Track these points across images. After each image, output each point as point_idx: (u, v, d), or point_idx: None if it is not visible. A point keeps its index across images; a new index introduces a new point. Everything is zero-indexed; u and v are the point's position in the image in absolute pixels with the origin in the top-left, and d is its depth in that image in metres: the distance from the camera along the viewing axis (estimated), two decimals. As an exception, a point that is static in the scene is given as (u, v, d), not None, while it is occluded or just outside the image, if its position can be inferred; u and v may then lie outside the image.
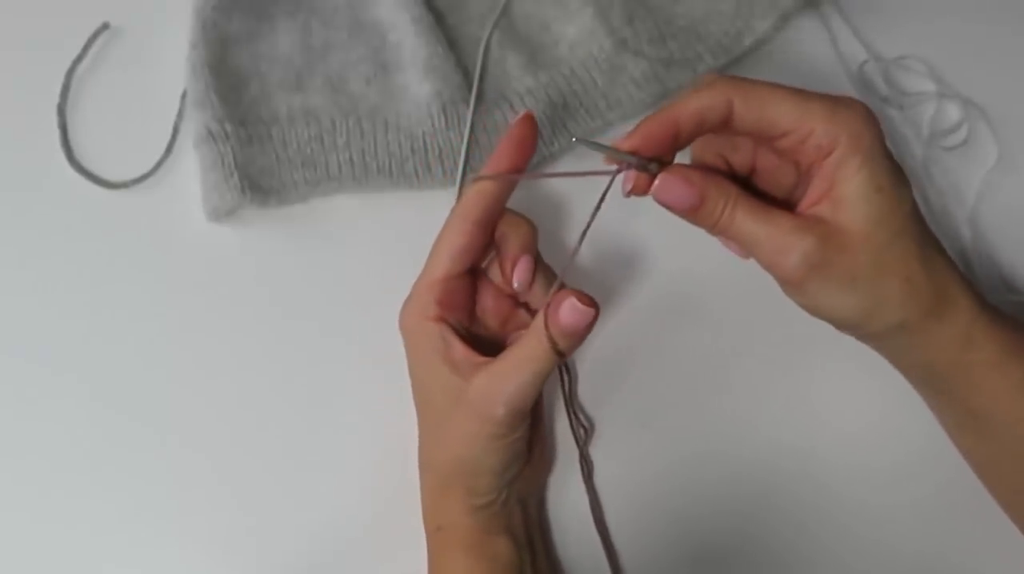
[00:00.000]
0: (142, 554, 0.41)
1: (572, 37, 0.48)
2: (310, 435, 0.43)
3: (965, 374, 0.37)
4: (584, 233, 0.35)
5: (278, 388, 0.43)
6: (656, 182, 0.35)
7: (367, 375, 0.42)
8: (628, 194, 0.35)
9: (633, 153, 0.34)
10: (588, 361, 0.44)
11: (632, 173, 0.35)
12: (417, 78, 0.46)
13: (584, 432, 0.43)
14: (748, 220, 0.35)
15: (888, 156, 0.35)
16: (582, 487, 0.43)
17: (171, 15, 0.46)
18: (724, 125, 0.35)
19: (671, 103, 0.35)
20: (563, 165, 0.47)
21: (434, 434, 0.39)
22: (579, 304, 0.34)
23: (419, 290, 0.38)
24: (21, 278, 0.44)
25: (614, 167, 0.35)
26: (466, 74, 0.47)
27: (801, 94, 0.34)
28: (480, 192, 0.37)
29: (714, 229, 0.36)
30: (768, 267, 0.35)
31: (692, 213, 0.35)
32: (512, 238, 0.38)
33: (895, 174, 0.35)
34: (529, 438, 0.39)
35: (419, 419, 0.40)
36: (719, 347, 0.44)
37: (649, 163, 0.35)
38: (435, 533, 0.39)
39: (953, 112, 0.49)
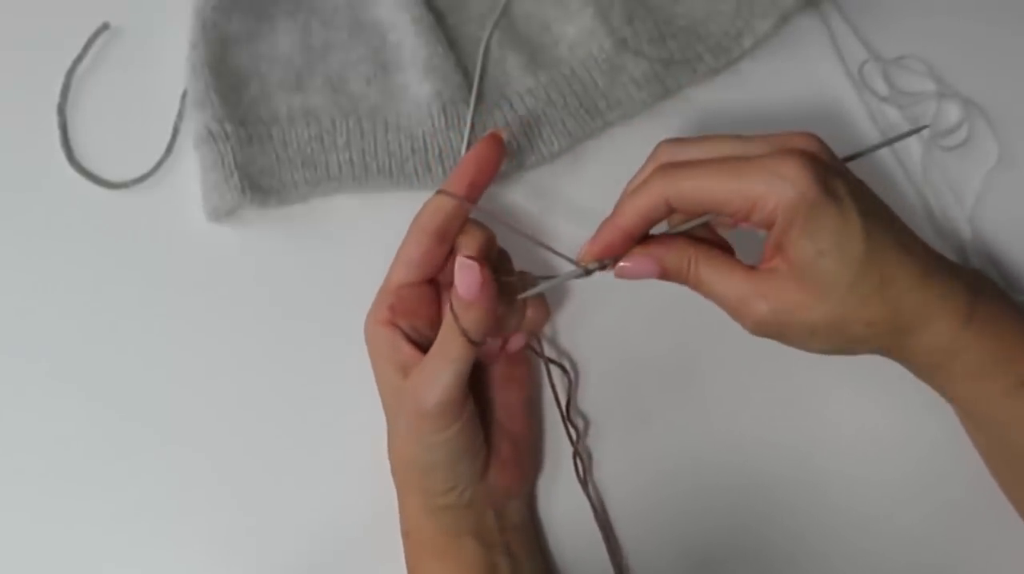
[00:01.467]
0: (142, 554, 0.41)
1: (572, 37, 0.48)
2: (310, 435, 0.43)
3: (951, 382, 0.38)
4: (539, 287, 0.39)
5: (278, 388, 0.43)
6: (619, 267, 0.38)
7: (367, 375, 0.42)
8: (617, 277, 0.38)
9: (598, 260, 0.38)
10: (586, 363, 0.44)
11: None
12: (417, 78, 0.46)
13: (577, 432, 0.43)
14: (711, 279, 0.37)
15: (831, 212, 0.35)
16: (578, 493, 0.42)
17: (171, 15, 0.46)
18: (671, 212, 0.37)
19: (615, 212, 0.38)
20: (561, 166, 0.47)
21: (390, 436, 0.40)
22: (464, 260, 0.35)
23: (377, 297, 0.40)
24: (21, 278, 0.44)
25: (580, 270, 0.38)
26: (466, 74, 0.47)
27: (732, 171, 0.35)
28: (439, 205, 0.38)
29: (687, 285, 0.38)
30: (739, 318, 0.37)
31: (662, 278, 0.38)
32: (466, 244, 0.39)
33: (838, 230, 0.35)
34: (479, 436, 0.39)
35: (386, 423, 0.40)
36: (719, 347, 0.44)
37: (608, 262, 0.38)
38: (405, 539, 0.40)
39: (953, 112, 0.49)
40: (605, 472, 0.43)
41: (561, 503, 0.43)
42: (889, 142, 0.40)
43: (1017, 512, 0.40)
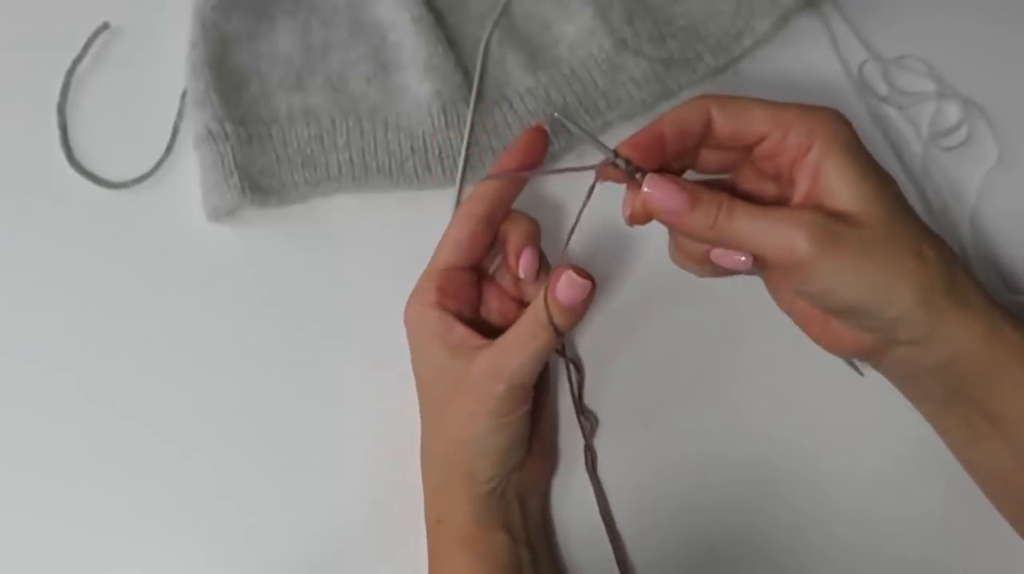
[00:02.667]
0: (142, 554, 0.41)
1: (572, 37, 0.48)
2: (310, 435, 0.43)
3: (987, 369, 0.35)
4: (576, 222, 0.37)
5: (278, 388, 0.43)
6: (645, 184, 0.35)
7: (367, 375, 0.42)
8: (629, 218, 0.36)
9: (616, 151, 0.35)
10: (592, 358, 0.44)
11: (628, 199, 0.36)
12: (417, 78, 0.46)
13: (590, 424, 0.43)
14: (746, 217, 0.34)
15: (867, 152, 0.35)
16: (587, 486, 0.42)
17: (171, 15, 0.46)
18: (705, 135, 0.36)
19: (656, 119, 0.36)
20: (565, 163, 0.47)
21: (435, 421, 0.39)
22: (575, 277, 0.35)
23: (421, 280, 0.40)
24: (21, 278, 0.44)
25: (610, 156, 0.35)
26: (466, 74, 0.47)
27: (776, 102, 0.36)
28: (486, 189, 0.39)
29: (712, 231, 0.35)
30: (776, 258, 0.34)
31: (686, 216, 0.35)
32: (515, 232, 0.40)
33: (877, 167, 0.35)
34: (529, 427, 0.39)
35: (421, 410, 0.40)
36: (723, 344, 0.44)
37: (636, 171, 0.35)
38: (435, 527, 0.39)
39: (953, 112, 0.49)
40: (608, 469, 0.43)
41: (566, 500, 0.43)
42: None
43: (1017, 532, 0.39)
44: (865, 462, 0.43)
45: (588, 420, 0.43)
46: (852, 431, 0.44)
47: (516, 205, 0.41)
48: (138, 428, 0.42)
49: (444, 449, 0.39)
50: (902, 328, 0.35)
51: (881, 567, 0.42)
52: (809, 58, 0.50)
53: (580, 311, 0.36)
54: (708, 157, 0.38)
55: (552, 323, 0.35)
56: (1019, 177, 0.48)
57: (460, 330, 0.38)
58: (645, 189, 0.35)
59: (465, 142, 0.45)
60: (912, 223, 0.35)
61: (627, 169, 0.35)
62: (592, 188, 0.36)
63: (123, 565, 0.41)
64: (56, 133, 0.45)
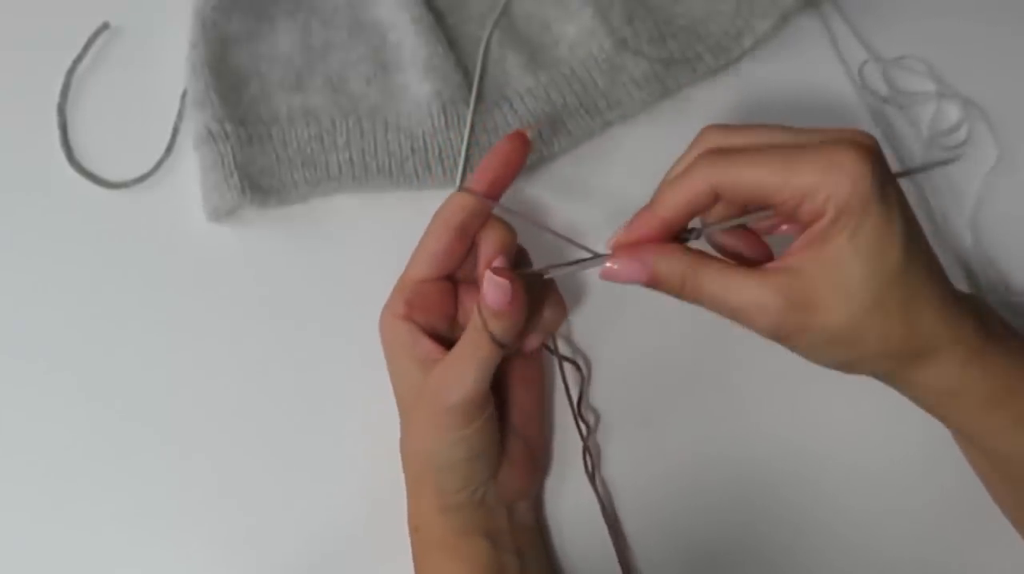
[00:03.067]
0: (142, 554, 0.41)
1: (572, 37, 0.48)
2: (310, 435, 0.43)
3: (955, 413, 0.37)
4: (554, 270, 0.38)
5: (278, 388, 0.43)
6: (604, 267, 0.36)
7: (367, 375, 0.42)
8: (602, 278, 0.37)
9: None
10: (597, 360, 0.44)
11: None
12: (417, 78, 0.46)
13: (587, 428, 0.43)
14: (714, 287, 0.35)
15: (880, 213, 0.33)
16: (585, 487, 0.42)
17: (171, 15, 0.46)
18: (714, 204, 0.36)
19: (657, 199, 0.36)
20: (562, 165, 0.47)
21: (405, 431, 0.39)
22: (494, 277, 0.35)
23: (394, 291, 0.39)
24: (21, 278, 0.44)
25: (603, 254, 0.36)
26: (466, 74, 0.47)
27: (786, 161, 0.33)
28: (462, 200, 0.38)
29: (681, 297, 0.36)
30: (742, 325, 0.35)
31: (652, 287, 0.36)
32: (488, 240, 0.38)
33: (882, 235, 0.33)
34: (499, 435, 0.39)
35: (399, 417, 0.40)
36: (725, 345, 0.44)
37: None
38: (414, 534, 0.40)
39: (953, 112, 0.49)
40: (612, 469, 0.43)
41: (567, 502, 0.43)
42: (918, 170, 0.38)
43: (1019, 533, 0.40)
44: (867, 461, 0.43)
45: (586, 422, 0.43)
46: (855, 430, 0.44)
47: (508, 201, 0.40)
48: (138, 428, 0.42)
49: (412, 458, 0.39)
50: (870, 374, 0.37)
51: (882, 567, 0.42)
52: (809, 58, 0.50)
53: (511, 315, 0.35)
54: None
55: (488, 331, 0.35)
56: (1019, 177, 0.48)
57: (425, 344, 0.38)
58: (607, 264, 0.36)
59: (465, 142, 0.45)
60: (893, 302, 0.34)
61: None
62: (588, 265, 0.37)
63: (123, 565, 0.41)
64: (56, 133, 0.45)
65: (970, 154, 0.48)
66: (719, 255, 0.37)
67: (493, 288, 0.35)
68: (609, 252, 0.36)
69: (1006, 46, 0.50)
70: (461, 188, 0.38)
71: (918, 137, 0.49)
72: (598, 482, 0.43)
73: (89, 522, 0.41)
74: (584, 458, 0.43)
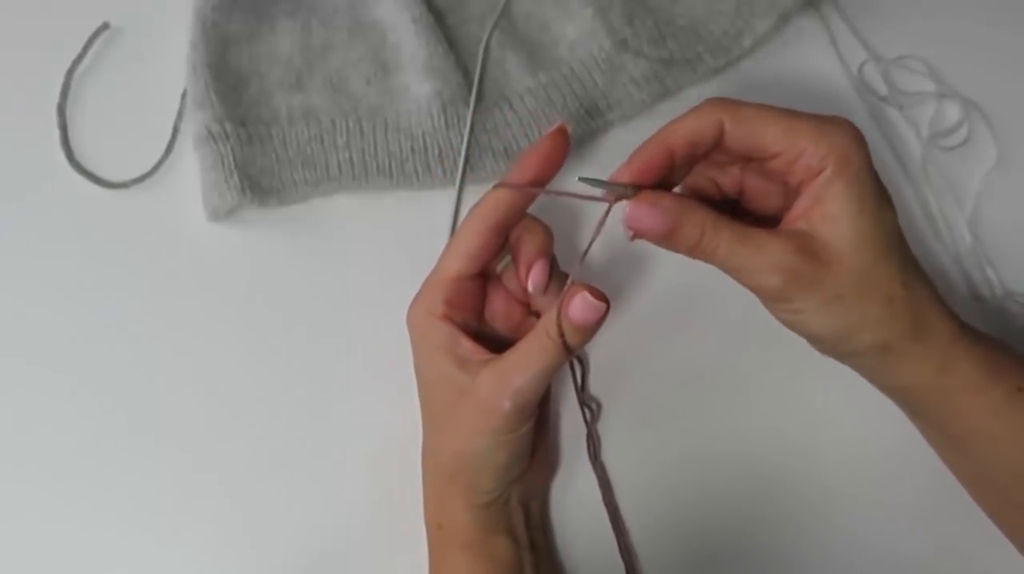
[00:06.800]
0: (142, 554, 0.41)
1: (572, 37, 0.48)
2: (311, 435, 0.43)
3: (942, 398, 0.37)
4: (586, 251, 0.36)
5: (278, 388, 0.43)
6: (630, 209, 0.35)
7: (368, 375, 0.42)
8: (632, 239, 0.36)
9: (629, 184, 0.35)
10: (594, 357, 0.44)
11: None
12: (417, 78, 0.46)
13: (591, 412, 0.43)
14: (729, 242, 0.35)
15: (874, 178, 0.35)
16: (589, 484, 0.43)
17: (171, 15, 0.46)
18: (716, 148, 0.36)
19: (663, 128, 0.36)
20: (570, 169, 0.47)
21: (437, 430, 0.39)
22: (591, 298, 0.34)
23: (428, 288, 0.38)
24: (21, 278, 0.44)
25: (627, 191, 0.35)
26: (466, 74, 0.47)
27: (790, 115, 0.35)
28: (500, 197, 0.37)
29: (695, 253, 0.35)
30: (753, 287, 0.36)
31: (668, 239, 0.35)
32: (528, 242, 0.38)
33: (880, 197, 0.35)
34: (532, 441, 0.39)
35: (423, 415, 0.40)
36: (727, 339, 0.45)
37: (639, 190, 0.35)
38: (436, 531, 0.39)
39: (953, 112, 0.49)
40: (613, 462, 0.43)
41: (569, 498, 0.43)
42: None
43: (1007, 537, 0.40)
44: (865, 465, 0.43)
45: (591, 408, 0.43)
46: (855, 420, 0.44)
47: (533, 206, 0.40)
48: (138, 428, 0.42)
49: (445, 458, 0.38)
50: (859, 360, 0.38)
51: (879, 560, 0.42)
52: (809, 58, 0.50)
53: (594, 330, 0.35)
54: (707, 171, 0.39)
55: (564, 341, 0.34)
56: (1018, 177, 0.48)
57: (467, 344, 0.37)
58: (628, 210, 0.35)
59: (465, 142, 0.45)
60: (894, 261, 0.35)
61: (632, 194, 0.35)
62: (605, 217, 0.35)
63: (123, 565, 0.41)
64: (56, 133, 0.45)
65: (970, 153, 0.48)
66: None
67: (586, 308, 0.34)
68: (628, 188, 0.35)
69: (1006, 46, 0.50)
70: (500, 184, 0.37)
71: (918, 137, 0.49)
72: (601, 467, 0.43)
73: (89, 522, 0.41)
74: (588, 444, 0.43)
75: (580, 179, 0.35)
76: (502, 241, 0.38)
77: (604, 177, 0.35)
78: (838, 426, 0.44)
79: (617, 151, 0.47)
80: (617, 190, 0.35)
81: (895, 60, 0.50)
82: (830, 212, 0.34)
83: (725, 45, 0.48)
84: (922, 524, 0.43)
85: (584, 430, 0.43)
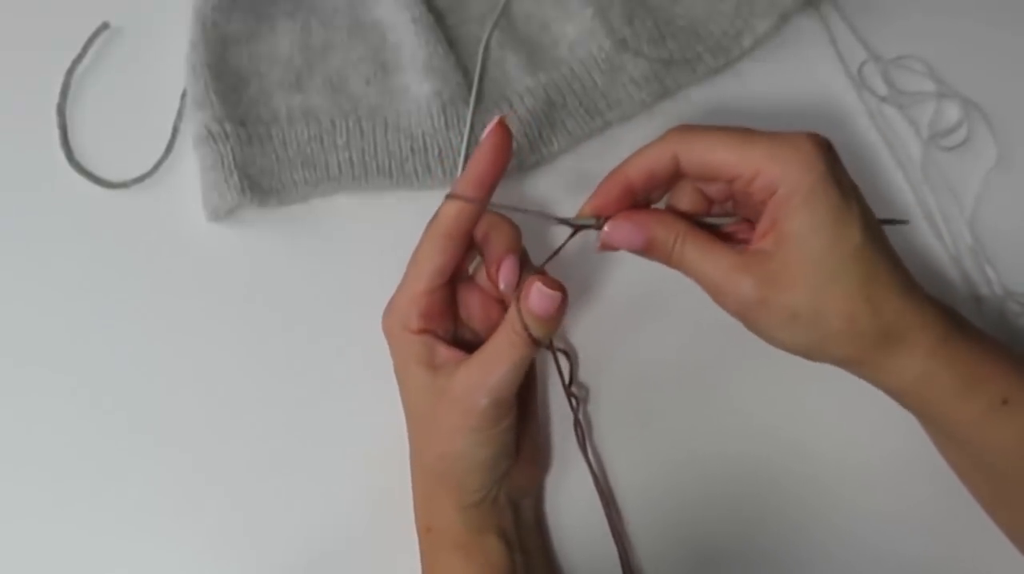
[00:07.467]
0: (142, 554, 0.41)
1: (572, 37, 0.48)
2: (310, 435, 0.43)
3: (923, 406, 0.38)
4: (548, 259, 0.38)
5: (278, 388, 0.43)
6: (604, 230, 0.37)
7: (367, 375, 0.42)
8: (599, 251, 0.38)
9: (594, 215, 0.37)
10: (591, 350, 0.45)
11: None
12: (417, 78, 0.46)
13: (577, 400, 0.43)
14: (695, 257, 0.37)
15: (834, 194, 0.35)
16: (584, 483, 0.42)
17: (171, 15, 0.46)
18: (676, 175, 0.37)
19: (623, 163, 0.38)
20: (561, 165, 0.47)
21: (421, 434, 0.39)
22: (545, 288, 0.35)
23: (400, 303, 0.38)
24: (20, 278, 0.44)
25: (593, 223, 0.38)
26: (466, 74, 0.47)
27: (744, 138, 0.36)
28: (456, 208, 0.37)
29: (670, 263, 0.38)
30: (714, 301, 0.37)
31: (645, 252, 0.37)
32: (495, 240, 0.38)
33: (839, 212, 0.35)
34: (517, 434, 0.39)
35: (408, 422, 0.40)
36: (722, 337, 0.44)
37: (601, 221, 0.37)
38: (426, 534, 0.39)
39: (953, 112, 0.49)
40: (609, 461, 0.43)
41: (563, 498, 0.43)
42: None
43: (1001, 529, 0.40)
44: (868, 457, 0.43)
45: (577, 397, 0.43)
46: (856, 415, 0.44)
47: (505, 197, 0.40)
48: (138, 428, 0.42)
49: (431, 461, 0.39)
50: (841, 366, 0.38)
51: (879, 560, 0.42)
52: (809, 58, 0.50)
53: (556, 319, 0.36)
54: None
55: (528, 334, 0.35)
56: (1019, 177, 0.48)
57: (443, 352, 0.37)
58: (606, 229, 0.37)
59: (465, 142, 0.45)
60: (853, 279, 0.35)
61: (597, 226, 0.37)
62: (569, 239, 0.38)
63: (123, 565, 0.41)
64: (56, 133, 0.45)
65: (970, 153, 0.48)
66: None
67: (542, 298, 0.35)
68: (595, 220, 0.37)
69: (1006, 46, 0.50)
70: (449, 195, 0.37)
71: (918, 137, 0.49)
72: (588, 454, 0.43)
73: (89, 522, 0.41)
74: (576, 432, 0.43)
75: (559, 220, 0.38)
76: (467, 245, 0.38)
77: (599, 179, 0.38)
78: (836, 417, 0.44)
79: (617, 151, 0.47)
80: (587, 223, 0.37)
81: (895, 60, 0.50)
82: (784, 232, 0.35)
83: (725, 45, 0.48)
84: (921, 525, 0.43)
85: (571, 411, 0.43)
